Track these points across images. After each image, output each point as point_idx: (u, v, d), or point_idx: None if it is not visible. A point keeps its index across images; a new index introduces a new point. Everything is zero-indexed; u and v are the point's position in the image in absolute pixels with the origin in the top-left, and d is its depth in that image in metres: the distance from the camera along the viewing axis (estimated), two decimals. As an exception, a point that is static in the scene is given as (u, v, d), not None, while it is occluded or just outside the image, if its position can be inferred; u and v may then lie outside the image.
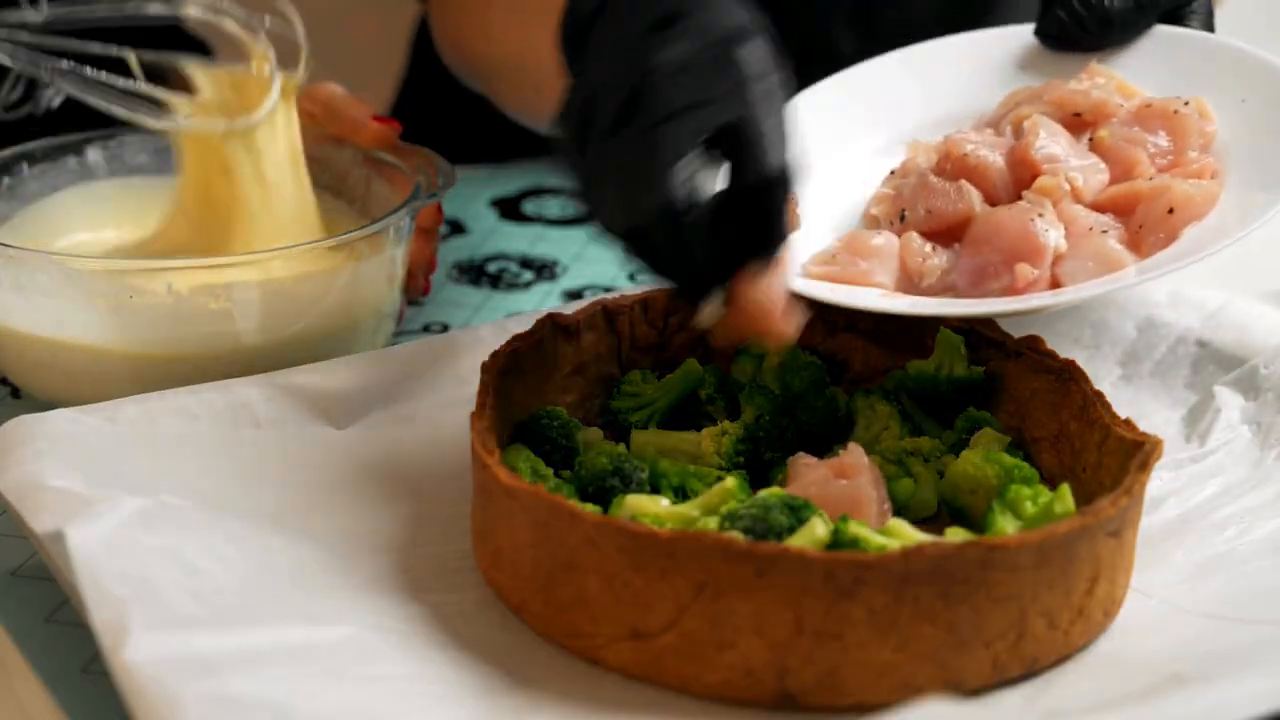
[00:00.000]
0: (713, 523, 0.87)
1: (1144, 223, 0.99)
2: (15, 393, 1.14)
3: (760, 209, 0.88)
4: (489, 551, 0.91)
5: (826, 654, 0.82)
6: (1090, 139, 1.04)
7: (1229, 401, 1.06)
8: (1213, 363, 1.09)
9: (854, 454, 0.92)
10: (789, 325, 0.90)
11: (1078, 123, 1.06)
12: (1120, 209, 1.01)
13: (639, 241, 0.89)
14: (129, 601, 0.83)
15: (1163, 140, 1.04)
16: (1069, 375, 0.97)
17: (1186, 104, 1.04)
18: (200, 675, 0.80)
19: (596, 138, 0.89)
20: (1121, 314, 1.14)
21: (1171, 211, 0.99)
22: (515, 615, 0.89)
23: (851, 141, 1.12)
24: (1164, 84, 1.07)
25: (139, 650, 0.80)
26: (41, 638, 0.91)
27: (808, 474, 0.91)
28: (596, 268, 1.33)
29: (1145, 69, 1.09)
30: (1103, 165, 1.03)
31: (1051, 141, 1.03)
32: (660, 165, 0.86)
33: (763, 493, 0.88)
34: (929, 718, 0.80)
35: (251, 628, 0.84)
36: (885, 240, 1.03)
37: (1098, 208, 1.01)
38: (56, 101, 1.13)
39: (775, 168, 0.88)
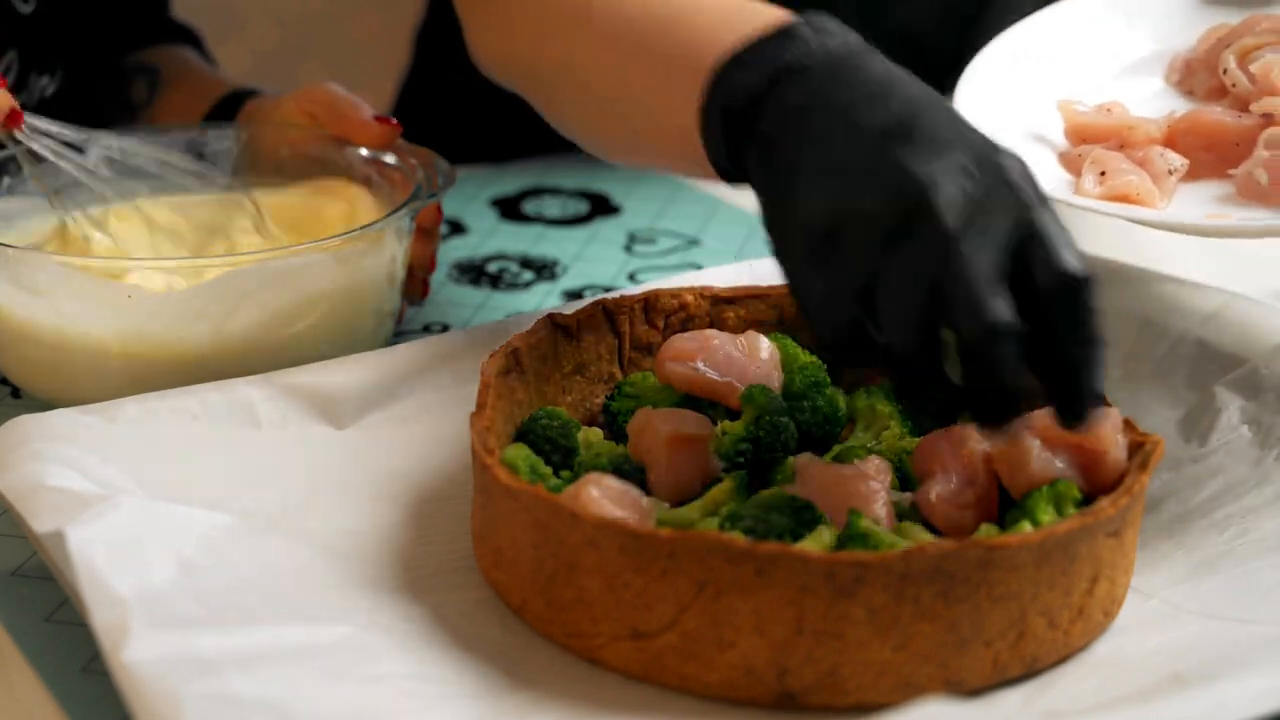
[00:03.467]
0: (713, 523, 0.87)
1: None
2: (15, 393, 1.14)
3: (1068, 309, 0.83)
4: (489, 551, 0.91)
5: (827, 653, 0.82)
6: None
7: (1229, 401, 1.06)
8: (1213, 363, 1.09)
9: (872, 464, 0.92)
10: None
11: None
12: None
13: (921, 363, 0.84)
14: (129, 601, 0.83)
15: None
16: (1069, 375, 0.96)
17: None
18: (200, 675, 0.80)
19: (861, 247, 0.84)
20: (1121, 314, 1.13)
21: None
22: (515, 615, 0.89)
23: (1044, 89, 1.13)
24: None
25: (139, 650, 0.80)
26: (41, 638, 0.91)
27: (814, 476, 0.91)
28: (596, 268, 1.33)
29: None
30: None
31: None
32: (981, 278, 0.81)
33: (764, 493, 0.89)
34: (929, 718, 0.80)
35: (251, 628, 0.84)
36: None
37: None
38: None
39: (1080, 267, 0.83)
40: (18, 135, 1.10)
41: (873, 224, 0.84)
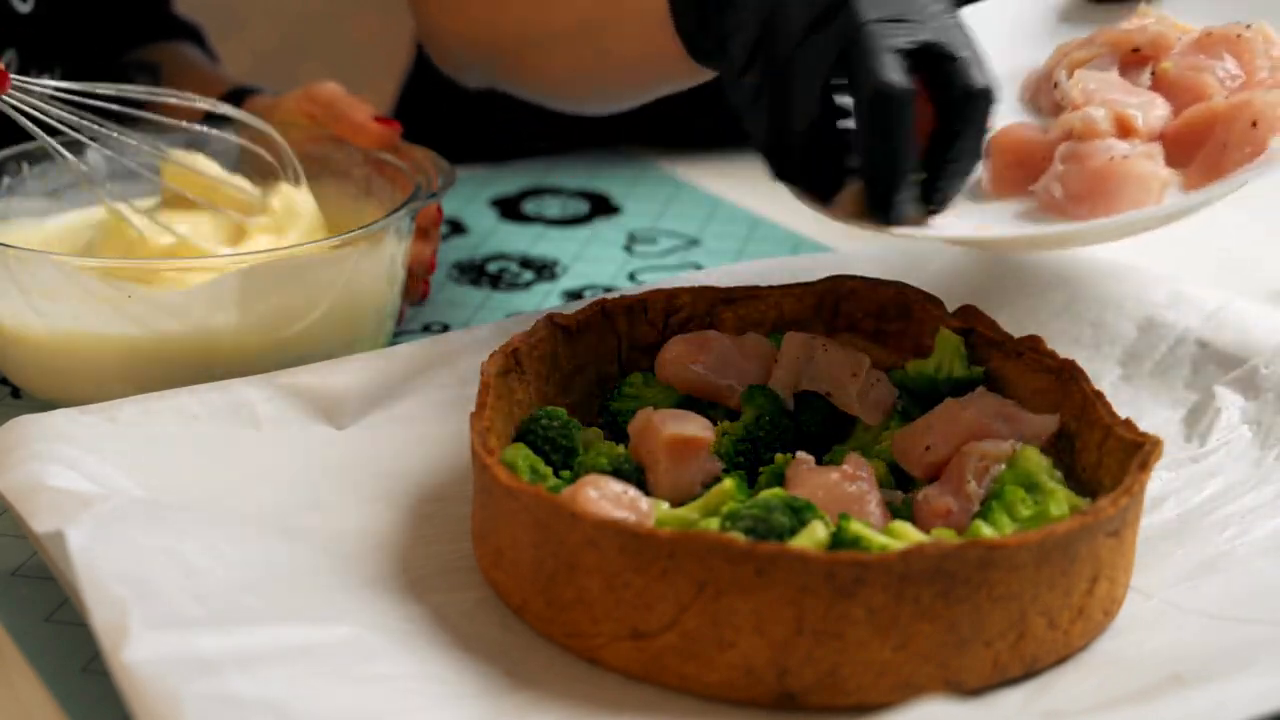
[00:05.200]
0: (713, 523, 0.87)
1: (1227, 140, 0.98)
2: (15, 393, 1.14)
3: (966, 120, 0.94)
4: (489, 551, 0.91)
5: (827, 653, 0.82)
6: (1152, 73, 1.04)
7: (1229, 401, 1.06)
8: (1213, 363, 1.09)
9: (854, 461, 0.92)
10: None
11: (1136, 59, 1.05)
12: (1196, 134, 1.00)
13: (875, 121, 0.93)
14: (129, 601, 0.83)
15: (1230, 65, 1.03)
16: (1069, 375, 0.97)
17: (1249, 28, 1.03)
18: (200, 675, 0.80)
19: (783, 42, 0.94)
20: (1121, 314, 1.14)
21: (1255, 125, 0.98)
22: (515, 615, 0.89)
23: None
24: (1215, 19, 1.06)
25: (139, 650, 0.80)
26: (41, 637, 0.91)
27: (810, 477, 0.91)
28: (596, 268, 1.33)
29: (1193, 7, 1.08)
30: (1160, 99, 1.02)
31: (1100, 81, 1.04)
32: (879, 58, 0.91)
33: (764, 493, 0.88)
34: (929, 718, 0.80)
35: (251, 628, 0.84)
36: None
37: (1168, 138, 1.00)
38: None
39: (981, 82, 0.94)
40: (4, 98, 1.08)
41: (797, 19, 0.94)
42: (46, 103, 1.09)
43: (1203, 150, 0.99)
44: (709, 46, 1.04)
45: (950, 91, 0.95)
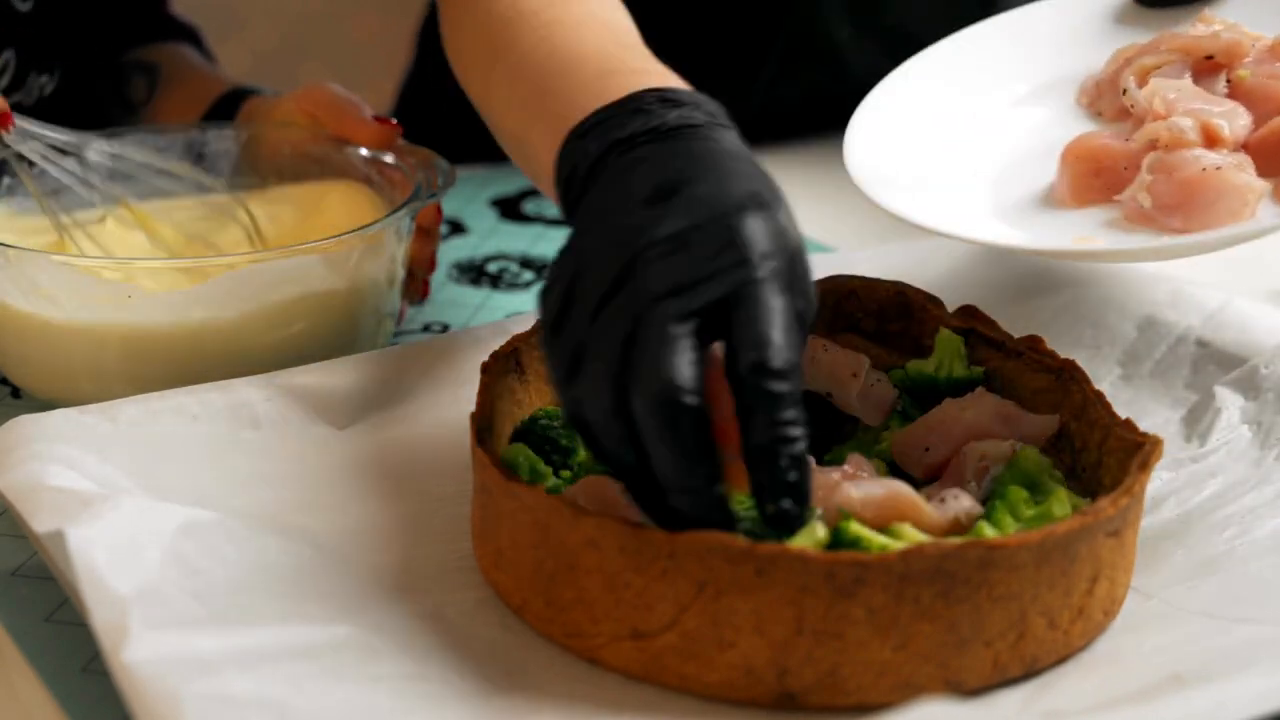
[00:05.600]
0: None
1: None
2: (15, 393, 1.14)
3: (757, 401, 0.79)
4: (489, 551, 0.91)
5: (827, 653, 0.82)
6: (1228, 81, 1.03)
7: (1229, 401, 1.06)
8: (1213, 363, 1.09)
9: (855, 462, 0.92)
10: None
11: (1210, 66, 1.04)
12: (1276, 146, 0.99)
13: (613, 433, 0.81)
14: (129, 601, 0.83)
15: None
16: (1069, 375, 0.97)
17: None
18: (200, 675, 0.80)
19: (578, 316, 0.82)
20: (1122, 314, 1.14)
21: None
22: (515, 615, 0.89)
23: (951, 113, 1.12)
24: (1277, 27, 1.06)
25: (139, 650, 0.80)
26: (41, 638, 0.91)
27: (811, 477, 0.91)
28: (596, 268, 1.33)
29: (1255, 16, 1.08)
30: (1241, 108, 1.02)
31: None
32: (663, 346, 0.79)
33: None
34: (929, 718, 0.80)
35: (251, 628, 0.84)
36: None
37: (1252, 148, 1.00)
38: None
39: (775, 352, 0.79)
40: (5, 138, 1.09)
41: (594, 288, 0.82)
42: (46, 150, 1.10)
43: None
44: None
45: (736, 367, 0.80)
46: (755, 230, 0.82)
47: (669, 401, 0.79)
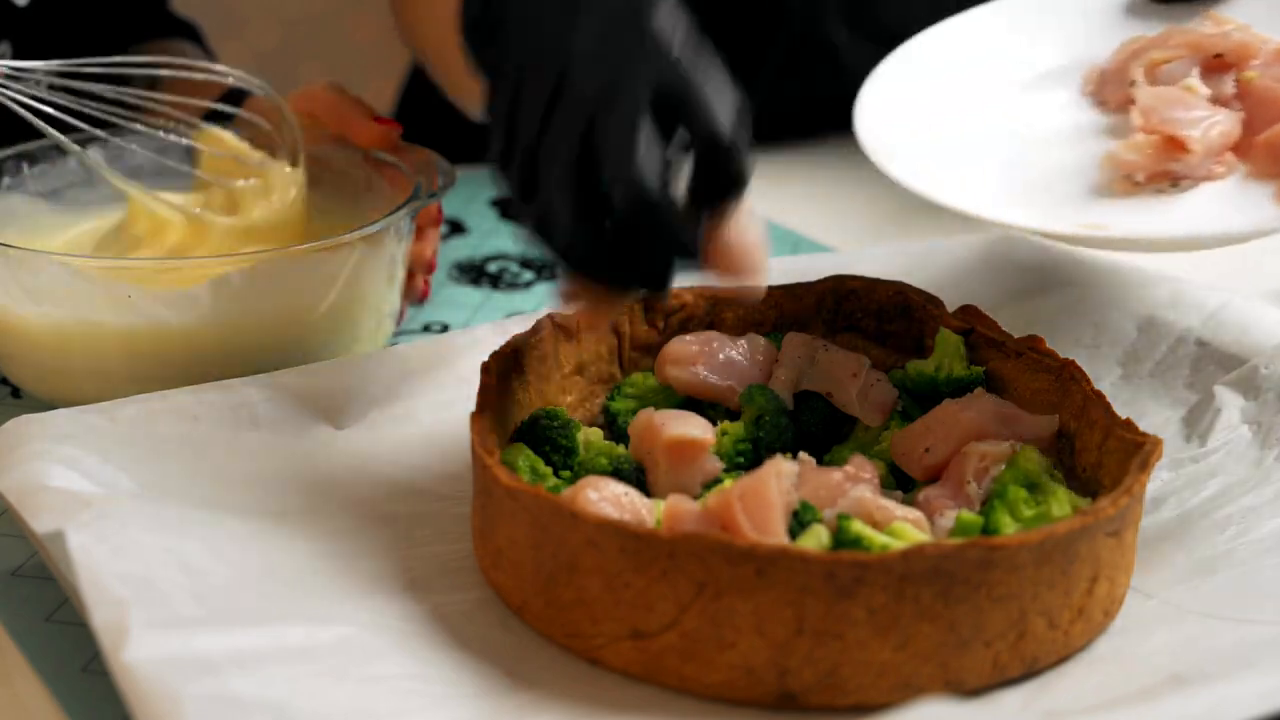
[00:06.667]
0: (713, 523, 0.87)
1: None
2: (15, 393, 1.14)
3: (719, 164, 0.85)
4: (489, 551, 0.91)
5: (827, 654, 0.82)
6: (1236, 81, 1.03)
7: (1229, 401, 1.06)
8: (1213, 363, 1.09)
9: (857, 462, 0.92)
10: (763, 268, 0.89)
11: (1218, 64, 1.04)
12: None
13: (589, 242, 0.85)
14: (129, 601, 0.83)
15: None
16: (1069, 375, 0.97)
17: None
18: (200, 675, 0.80)
19: (525, 137, 0.86)
20: (1122, 314, 1.14)
21: None
22: (515, 615, 0.89)
23: (961, 91, 1.13)
24: None
25: (139, 650, 0.80)
26: (41, 637, 0.91)
27: (812, 477, 0.91)
28: (596, 268, 1.33)
29: (1265, 18, 1.08)
30: (1223, 114, 1.03)
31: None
32: (628, 147, 0.83)
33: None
34: (929, 718, 0.80)
35: (251, 628, 0.84)
36: None
37: (1254, 151, 1.01)
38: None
39: (723, 123, 0.84)
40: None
41: (532, 111, 0.86)
42: (43, 91, 1.09)
43: None
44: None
45: (697, 138, 0.85)
46: (661, 22, 0.86)
47: (645, 205, 0.83)
